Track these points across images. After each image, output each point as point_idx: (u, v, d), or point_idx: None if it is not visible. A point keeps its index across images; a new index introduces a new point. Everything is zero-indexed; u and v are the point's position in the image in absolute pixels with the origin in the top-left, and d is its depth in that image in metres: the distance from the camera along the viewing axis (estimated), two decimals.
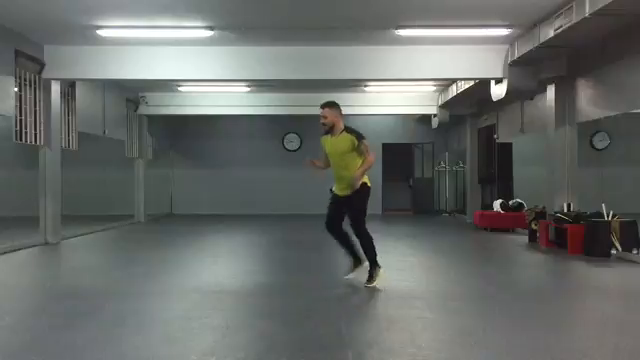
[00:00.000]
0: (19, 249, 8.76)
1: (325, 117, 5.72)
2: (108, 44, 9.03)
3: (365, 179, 5.71)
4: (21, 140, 8.82)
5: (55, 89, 9.64)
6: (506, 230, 11.34)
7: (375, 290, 5.57)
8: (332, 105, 5.77)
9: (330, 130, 5.76)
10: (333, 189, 5.91)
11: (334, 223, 5.88)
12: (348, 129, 5.75)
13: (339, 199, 5.81)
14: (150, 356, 3.65)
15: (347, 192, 5.70)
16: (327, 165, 5.97)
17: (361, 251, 5.84)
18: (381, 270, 5.73)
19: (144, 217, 14.32)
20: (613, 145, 13.99)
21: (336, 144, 5.74)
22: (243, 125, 16.56)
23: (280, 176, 16.88)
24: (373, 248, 5.75)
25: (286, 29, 8.49)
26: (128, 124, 13.72)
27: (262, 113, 14.73)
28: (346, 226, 5.86)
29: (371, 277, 5.70)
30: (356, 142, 5.66)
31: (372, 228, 5.86)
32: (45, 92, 9.40)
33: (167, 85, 12.80)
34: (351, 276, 5.90)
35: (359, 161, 5.69)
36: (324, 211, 5.96)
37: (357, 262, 5.93)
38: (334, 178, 5.87)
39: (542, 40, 7.80)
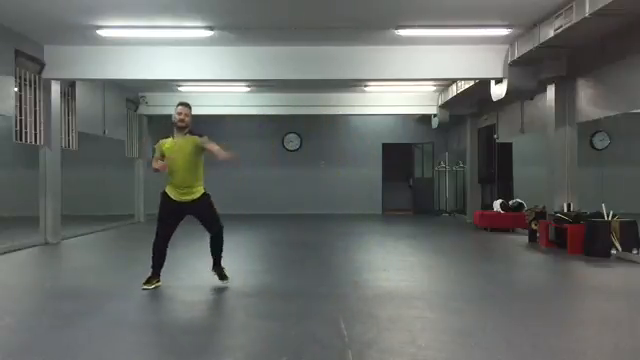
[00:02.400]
0: (19, 249, 8.77)
1: (187, 115, 5.63)
2: (108, 44, 9.03)
3: (203, 185, 5.79)
4: (21, 140, 8.83)
5: (55, 89, 9.65)
6: (506, 230, 11.35)
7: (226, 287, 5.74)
8: (190, 106, 5.75)
9: (181, 129, 5.63)
10: (171, 196, 5.65)
11: (171, 234, 5.77)
12: (192, 132, 5.72)
13: (178, 206, 5.65)
14: (150, 356, 3.65)
15: (192, 197, 5.66)
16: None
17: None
18: None
19: (144, 217, 14.32)
20: (613, 145, 13.99)
21: (183, 146, 5.62)
22: (243, 125, 16.56)
23: (280, 176, 16.90)
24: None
25: (286, 29, 8.49)
26: (128, 124, 13.72)
27: (262, 113, 14.75)
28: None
29: (224, 274, 5.91)
30: (198, 140, 5.60)
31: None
32: (45, 92, 9.40)
33: (167, 85, 12.80)
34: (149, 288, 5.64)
35: (201, 166, 5.72)
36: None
37: (157, 278, 5.75)
38: (172, 183, 5.66)
39: (542, 40, 7.81)
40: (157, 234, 5.76)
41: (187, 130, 5.66)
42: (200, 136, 5.65)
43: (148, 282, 5.68)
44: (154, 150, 5.82)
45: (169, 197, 5.68)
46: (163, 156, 5.64)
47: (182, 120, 5.61)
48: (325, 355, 3.65)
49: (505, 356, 3.61)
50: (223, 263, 6.01)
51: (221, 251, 5.95)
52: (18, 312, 4.98)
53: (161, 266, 5.80)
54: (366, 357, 3.58)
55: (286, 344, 3.89)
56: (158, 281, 5.76)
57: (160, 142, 5.75)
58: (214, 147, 5.55)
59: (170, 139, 5.71)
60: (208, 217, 5.80)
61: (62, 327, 4.34)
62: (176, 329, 4.27)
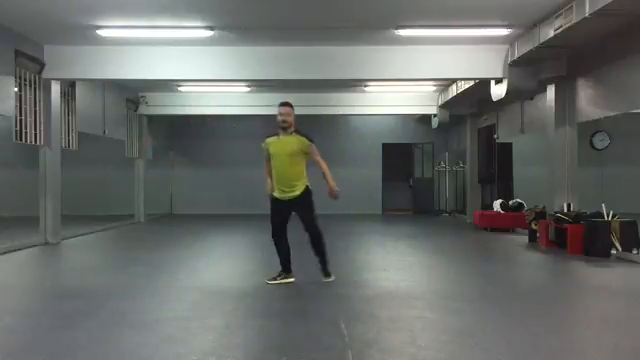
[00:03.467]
0: (19, 249, 8.77)
1: (288, 115, 5.78)
2: (108, 44, 9.03)
3: (306, 182, 5.81)
4: (21, 140, 8.82)
5: (55, 89, 9.65)
6: (506, 230, 11.34)
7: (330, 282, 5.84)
8: (291, 105, 5.89)
9: (284, 130, 5.79)
10: (274, 194, 5.81)
11: (283, 230, 5.95)
12: (298, 131, 5.83)
13: (284, 204, 5.79)
14: (150, 356, 3.65)
15: (294, 194, 5.73)
16: (270, 172, 5.92)
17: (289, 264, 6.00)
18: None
19: (144, 217, 14.32)
20: (613, 145, 13.96)
21: (285, 144, 5.75)
22: (243, 125, 16.55)
23: None
24: (325, 244, 5.98)
25: (286, 29, 8.50)
26: (128, 124, 13.72)
27: (262, 113, 14.73)
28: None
29: (327, 272, 6.00)
30: (307, 143, 5.74)
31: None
32: (45, 92, 9.40)
33: (167, 85, 12.80)
34: (273, 283, 5.95)
35: (303, 163, 5.78)
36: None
37: (288, 271, 6.01)
38: (275, 181, 5.79)
39: (542, 40, 7.81)
40: (272, 235, 5.93)
41: (292, 129, 5.78)
42: (308, 137, 5.77)
43: (327, 274, 5.98)
44: (262, 148, 5.90)
45: (274, 197, 5.80)
46: (269, 155, 5.81)
47: (284, 121, 5.74)
48: (325, 355, 3.65)
49: (505, 356, 3.61)
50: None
51: (322, 254, 5.97)
52: (18, 312, 4.98)
53: (285, 262, 6.02)
54: (366, 357, 3.58)
55: (286, 344, 3.89)
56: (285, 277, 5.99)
57: (266, 141, 5.87)
58: (324, 166, 5.75)
59: (275, 137, 5.83)
60: (305, 216, 5.86)
61: (62, 327, 4.33)
62: (176, 329, 4.26)
